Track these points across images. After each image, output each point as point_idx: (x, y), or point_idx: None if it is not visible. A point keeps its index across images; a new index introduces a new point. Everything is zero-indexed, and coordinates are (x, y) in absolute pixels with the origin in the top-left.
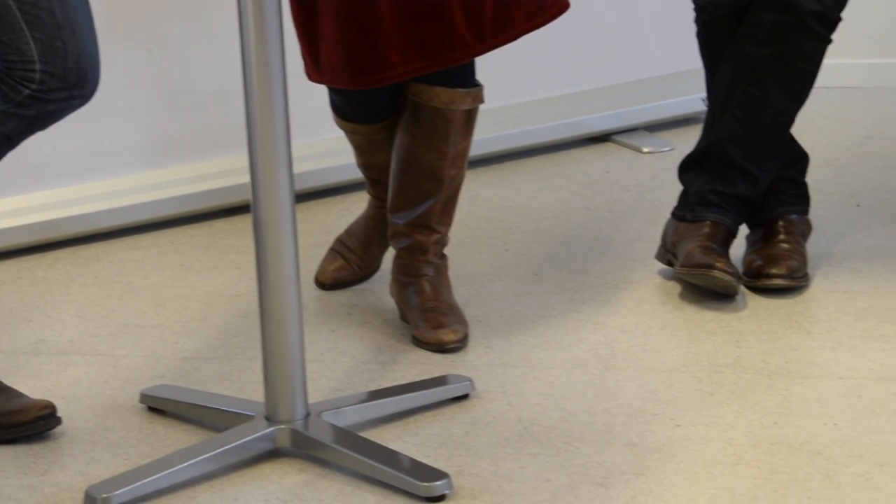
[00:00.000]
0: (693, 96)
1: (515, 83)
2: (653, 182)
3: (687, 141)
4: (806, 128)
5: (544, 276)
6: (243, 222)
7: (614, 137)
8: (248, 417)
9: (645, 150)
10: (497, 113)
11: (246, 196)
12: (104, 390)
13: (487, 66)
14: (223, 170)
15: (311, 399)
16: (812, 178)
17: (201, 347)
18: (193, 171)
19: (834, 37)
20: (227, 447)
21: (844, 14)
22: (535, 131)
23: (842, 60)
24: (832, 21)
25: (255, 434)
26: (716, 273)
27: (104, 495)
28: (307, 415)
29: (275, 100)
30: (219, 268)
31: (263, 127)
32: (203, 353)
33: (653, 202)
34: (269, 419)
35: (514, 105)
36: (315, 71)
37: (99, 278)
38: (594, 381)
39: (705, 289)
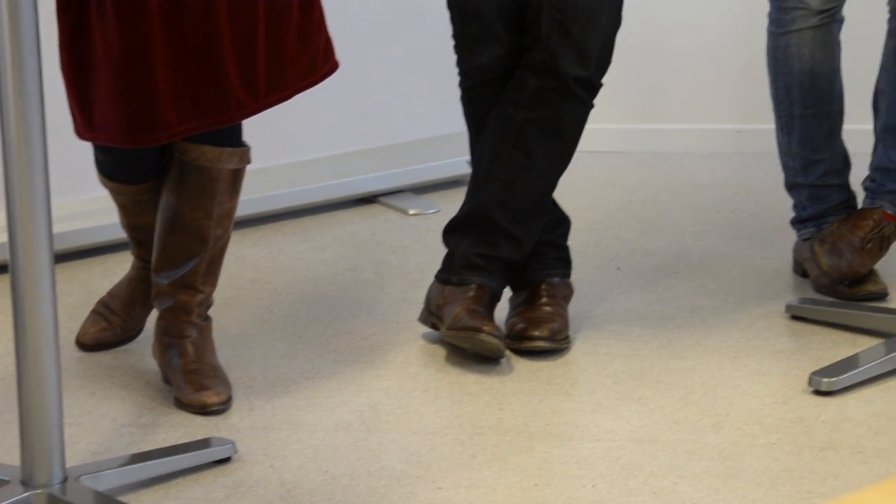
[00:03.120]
0: (459, 158)
1: (282, 143)
2: (418, 244)
3: (452, 203)
4: (568, 191)
5: (308, 337)
6: (1, 283)
7: (381, 199)
8: (2, 482)
9: (411, 211)
10: (264, 173)
11: (3, 256)
12: None
13: (254, 126)
14: None
15: (70, 463)
16: (574, 241)
17: None
18: None
19: (596, 102)
20: None
21: (606, 80)
22: (301, 192)
23: (604, 125)
24: (595, 87)
25: (9, 499)
26: (483, 336)
27: None
28: (65, 479)
29: (34, 156)
30: None
31: (22, 184)
32: None
33: (418, 264)
34: (25, 483)
35: (281, 165)
36: (86, 129)
37: None
38: (357, 443)
39: (471, 351)
